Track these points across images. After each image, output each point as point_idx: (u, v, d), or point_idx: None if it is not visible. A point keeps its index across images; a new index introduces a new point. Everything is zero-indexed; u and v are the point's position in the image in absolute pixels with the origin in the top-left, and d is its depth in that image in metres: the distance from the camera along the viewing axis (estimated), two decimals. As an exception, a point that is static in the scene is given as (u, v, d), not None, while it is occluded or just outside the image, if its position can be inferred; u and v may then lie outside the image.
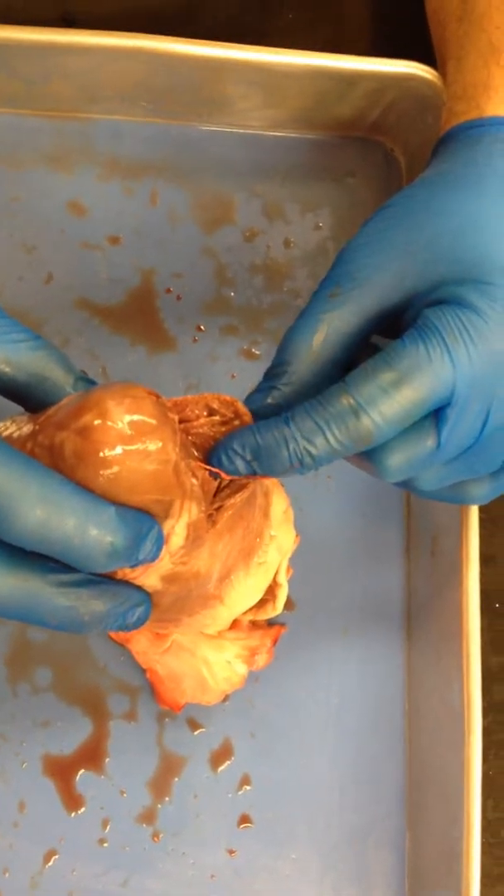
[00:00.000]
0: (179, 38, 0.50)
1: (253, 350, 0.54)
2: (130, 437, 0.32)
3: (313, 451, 0.36)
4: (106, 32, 0.50)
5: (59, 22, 0.58)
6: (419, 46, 0.55)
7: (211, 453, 0.38)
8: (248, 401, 0.39)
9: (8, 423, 0.39)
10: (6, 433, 0.38)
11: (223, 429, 0.39)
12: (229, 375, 0.54)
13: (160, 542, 0.34)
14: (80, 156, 0.55)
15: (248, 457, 0.36)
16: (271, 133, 0.57)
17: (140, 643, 0.48)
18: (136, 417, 0.33)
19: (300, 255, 0.56)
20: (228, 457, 0.37)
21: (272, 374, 0.39)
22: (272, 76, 0.52)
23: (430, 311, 0.36)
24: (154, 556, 0.34)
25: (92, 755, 0.50)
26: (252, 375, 0.54)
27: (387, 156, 0.58)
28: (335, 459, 0.36)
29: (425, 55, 0.53)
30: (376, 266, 0.38)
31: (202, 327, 0.54)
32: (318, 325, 0.38)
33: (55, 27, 0.50)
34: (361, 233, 0.40)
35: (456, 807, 0.47)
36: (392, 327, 0.39)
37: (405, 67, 0.51)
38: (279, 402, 0.38)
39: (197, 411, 0.39)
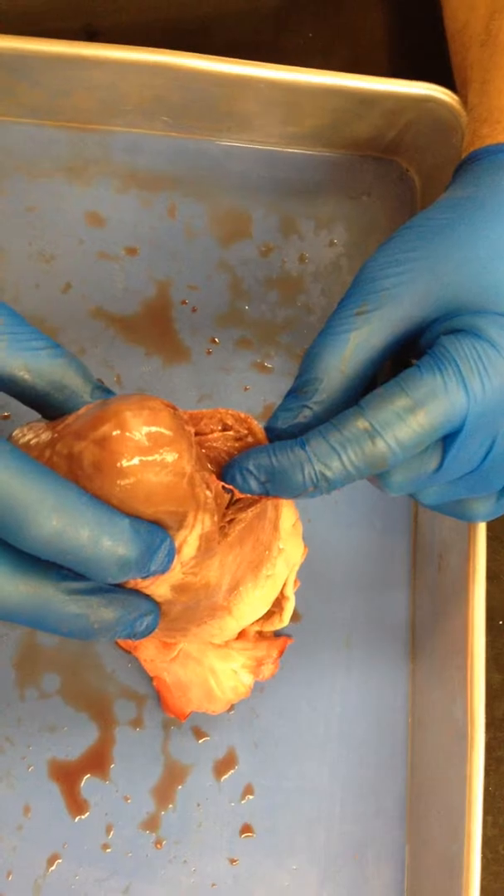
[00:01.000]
0: (201, 55, 0.51)
1: (266, 364, 0.55)
2: (148, 449, 0.33)
3: (329, 474, 0.36)
4: (129, 47, 0.50)
5: (82, 34, 0.58)
6: (436, 68, 0.56)
7: (225, 470, 0.38)
8: (276, 419, 0.39)
9: (25, 430, 0.39)
10: (23, 440, 0.38)
11: (237, 445, 0.40)
12: (242, 388, 0.54)
13: (172, 554, 0.35)
14: (98, 167, 0.56)
15: (263, 478, 0.37)
16: (288, 150, 0.57)
17: (148, 651, 0.49)
18: (153, 429, 0.33)
19: (314, 270, 0.56)
20: (243, 476, 0.37)
21: (302, 392, 0.39)
22: (291, 94, 0.52)
23: (446, 340, 0.37)
24: (165, 569, 0.35)
25: (97, 761, 0.50)
26: (264, 389, 0.54)
27: (402, 176, 0.58)
28: (348, 483, 0.37)
29: (441, 77, 0.54)
30: (404, 284, 0.38)
31: (216, 340, 0.55)
32: (347, 342, 0.38)
33: (77, 39, 0.50)
34: (385, 251, 0.40)
35: (456, 821, 0.47)
36: (404, 349, 0.40)
37: (423, 89, 0.52)
38: (310, 422, 0.38)
39: (211, 426, 0.40)
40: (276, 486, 0.37)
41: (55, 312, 0.54)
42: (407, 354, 0.39)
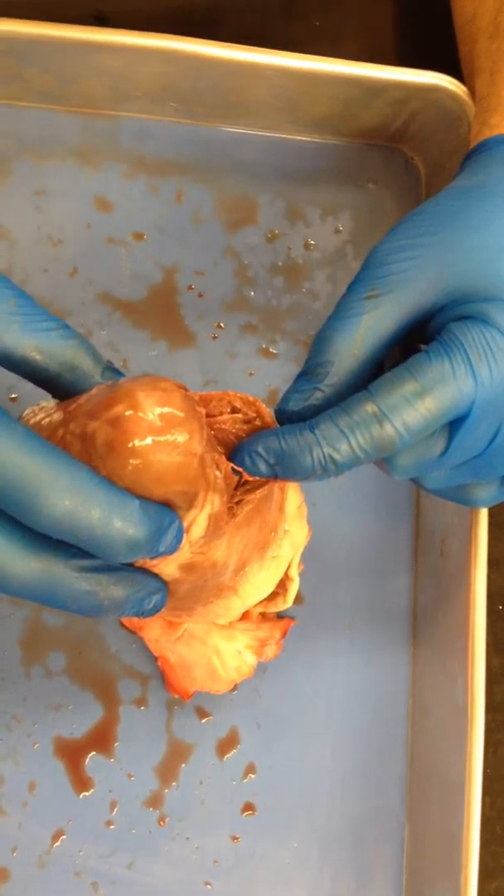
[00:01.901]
0: (211, 42, 0.51)
1: (271, 349, 0.55)
2: (160, 429, 0.33)
3: (337, 457, 0.36)
4: (139, 33, 0.51)
5: (91, 19, 0.59)
6: (442, 57, 0.56)
7: (234, 453, 0.38)
8: (287, 401, 0.39)
9: (36, 410, 0.40)
10: (34, 420, 0.39)
11: (245, 427, 0.40)
12: (247, 373, 0.55)
13: (180, 536, 0.35)
14: (107, 153, 0.56)
15: (272, 460, 0.37)
16: (296, 137, 0.58)
17: (153, 631, 0.49)
18: (165, 410, 0.34)
19: (320, 257, 0.57)
20: (252, 458, 0.38)
21: (313, 375, 0.39)
22: (299, 82, 0.53)
23: (455, 326, 0.37)
24: (173, 550, 0.35)
25: (102, 739, 0.51)
26: (269, 374, 0.55)
27: (408, 164, 0.59)
28: (356, 467, 0.37)
29: (448, 66, 0.54)
30: (415, 270, 0.38)
31: (222, 325, 0.55)
32: (358, 326, 0.38)
33: (87, 25, 0.51)
34: (393, 236, 0.40)
35: (456, 802, 0.48)
36: (412, 335, 0.40)
37: (430, 78, 0.52)
38: (321, 404, 0.38)
39: (220, 408, 0.40)
40: (284, 469, 0.37)
41: (63, 296, 0.54)
42: (415, 340, 0.40)
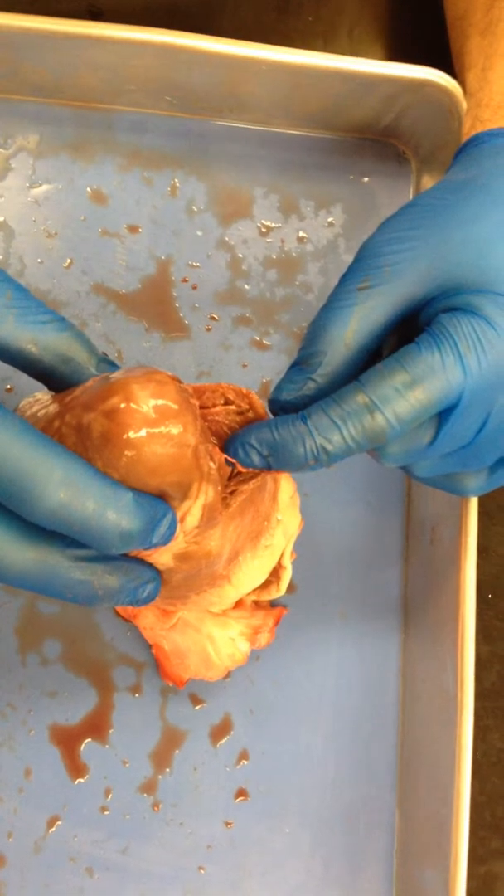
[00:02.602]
0: (205, 36, 0.51)
1: (264, 341, 0.56)
2: (155, 421, 0.34)
3: (329, 447, 0.37)
4: (134, 27, 0.51)
5: (85, 14, 0.59)
6: (434, 52, 0.57)
7: (228, 444, 0.39)
8: (280, 391, 0.40)
9: (32, 401, 0.40)
10: (30, 412, 0.39)
11: (238, 419, 0.41)
12: (241, 364, 0.56)
13: (173, 527, 0.36)
14: (102, 146, 0.56)
15: (265, 451, 0.38)
16: (289, 131, 0.58)
17: (147, 619, 0.50)
18: (160, 402, 0.34)
19: (312, 250, 0.57)
20: (245, 450, 0.38)
21: (306, 365, 0.39)
22: (293, 76, 0.53)
23: (445, 318, 0.38)
24: (166, 541, 0.36)
25: (97, 726, 0.52)
26: (262, 365, 0.56)
27: (399, 158, 0.59)
28: (348, 456, 0.38)
29: (439, 61, 0.55)
30: (407, 261, 0.39)
31: (216, 317, 0.56)
32: (351, 316, 0.39)
33: (81, 19, 0.51)
34: (387, 228, 0.40)
35: (446, 787, 0.49)
36: (403, 325, 0.41)
37: (422, 73, 0.53)
38: (314, 394, 0.39)
39: (213, 399, 0.41)
40: (277, 460, 0.38)
41: (58, 287, 0.55)
42: (406, 330, 0.40)
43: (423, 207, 0.41)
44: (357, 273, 0.40)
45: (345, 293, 0.39)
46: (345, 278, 0.40)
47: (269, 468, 0.38)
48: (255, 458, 0.38)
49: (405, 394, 0.37)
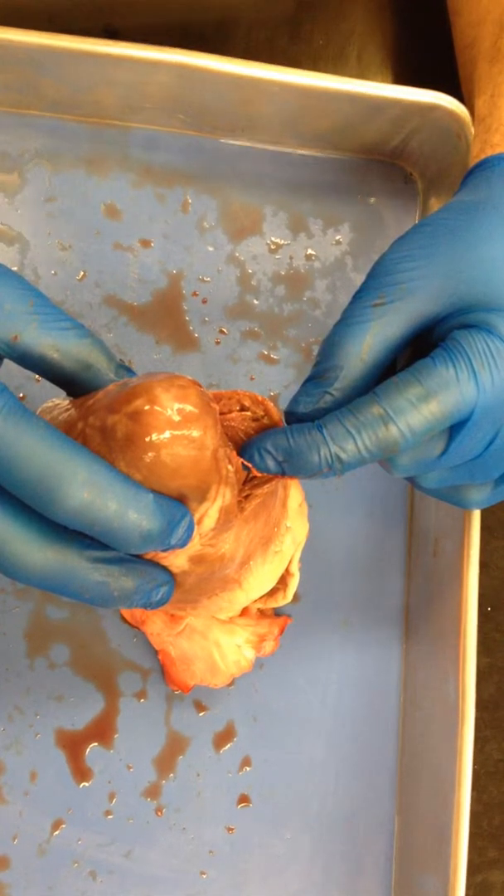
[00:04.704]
0: (219, 56, 0.53)
1: (272, 355, 0.57)
2: (177, 424, 0.35)
3: (343, 456, 0.38)
4: (150, 47, 0.52)
5: (102, 33, 0.60)
6: (442, 77, 0.58)
7: (244, 449, 0.40)
8: (297, 404, 0.40)
9: (51, 406, 0.41)
10: (49, 416, 0.40)
11: (254, 425, 0.42)
12: (248, 377, 0.57)
13: (191, 530, 0.37)
14: (117, 162, 0.58)
15: (280, 457, 0.39)
16: (299, 151, 0.59)
17: (155, 625, 0.51)
18: (182, 405, 0.35)
19: (320, 267, 0.59)
20: (261, 455, 0.39)
21: (323, 379, 0.40)
22: (303, 98, 0.55)
23: (459, 334, 0.39)
24: (184, 543, 0.37)
25: (102, 730, 0.52)
26: (270, 379, 0.57)
27: (406, 180, 0.61)
28: (360, 465, 0.39)
29: (447, 85, 0.56)
30: (421, 279, 0.40)
31: (225, 330, 0.57)
32: (367, 332, 0.40)
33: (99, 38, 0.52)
34: (400, 247, 0.41)
35: (445, 795, 0.49)
36: (417, 341, 0.42)
37: (430, 97, 0.54)
38: (330, 407, 0.40)
39: (230, 406, 0.42)
40: (292, 466, 0.39)
41: (71, 299, 0.56)
42: (420, 346, 0.42)
43: (435, 227, 0.42)
44: (372, 290, 0.41)
45: (360, 309, 0.40)
46: (359, 295, 0.41)
47: (283, 474, 0.39)
48: (271, 464, 0.39)
49: (419, 406, 0.38)
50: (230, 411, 0.42)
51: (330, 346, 0.40)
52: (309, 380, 0.41)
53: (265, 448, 0.39)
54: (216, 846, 0.52)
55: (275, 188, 0.59)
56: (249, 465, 0.40)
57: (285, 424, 0.41)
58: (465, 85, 0.55)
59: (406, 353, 0.42)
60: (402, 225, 0.59)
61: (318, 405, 0.40)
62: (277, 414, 0.42)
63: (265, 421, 0.42)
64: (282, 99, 0.55)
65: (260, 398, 0.42)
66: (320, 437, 0.38)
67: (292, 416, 0.41)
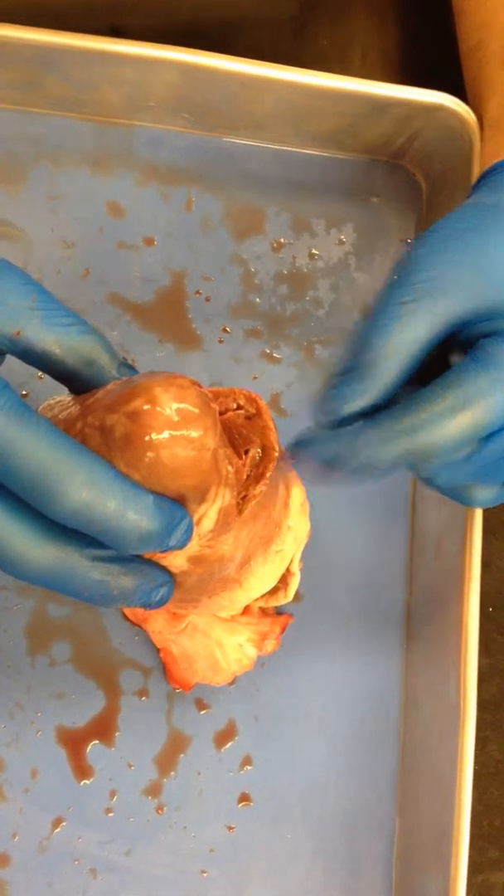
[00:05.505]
0: (223, 55, 0.53)
1: (274, 354, 0.57)
2: (176, 424, 0.35)
3: (379, 464, 0.38)
4: (155, 45, 0.52)
5: (108, 32, 0.60)
6: (446, 77, 0.58)
7: (289, 448, 0.41)
8: (327, 403, 0.40)
9: (52, 404, 0.41)
10: (51, 413, 0.40)
11: (246, 423, 0.42)
12: (251, 376, 0.57)
13: (190, 531, 0.37)
14: (121, 160, 0.58)
15: (319, 462, 0.39)
16: (303, 151, 0.59)
17: (157, 623, 0.51)
18: (182, 405, 0.35)
19: (323, 267, 0.59)
20: (301, 457, 0.40)
21: (353, 378, 0.40)
22: (308, 97, 0.55)
23: (488, 343, 0.39)
24: (183, 544, 0.37)
25: (103, 728, 0.52)
26: (272, 377, 0.57)
27: (410, 180, 0.61)
28: (395, 472, 0.39)
29: (451, 85, 0.56)
30: (452, 280, 0.40)
31: (228, 329, 0.57)
32: (396, 330, 0.39)
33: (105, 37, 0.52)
34: (425, 247, 0.41)
35: (446, 795, 0.49)
36: (445, 342, 0.42)
37: (435, 98, 0.54)
38: (363, 408, 0.40)
39: (227, 404, 0.42)
40: (329, 472, 0.39)
41: (74, 297, 0.56)
42: (448, 345, 0.41)
43: (457, 231, 0.41)
44: (400, 289, 0.40)
45: (388, 309, 0.40)
46: (387, 294, 0.40)
47: (320, 479, 0.40)
48: (310, 469, 0.40)
49: (453, 417, 0.38)
50: (227, 410, 0.42)
51: (359, 345, 0.40)
52: (338, 377, 0.40)
53: (306, 449, 0.40)
54: (217, 845, 0.52)
55: (278, 187, 0.59)
56: (291, 462, 0.41)
57: (316, 426, 0.41)
58: (471, 87, 0.55)
59: (435, 353, 0.42)
60: (405, 225, 0.60)
61: (350, 405, 0.40)
62: (268, 411, 0.42)
63: (256, 419, 0.42)
64: (286, 98, 0.55)
65: (252, 395, 0.42)
66: (357, 443, 0.38)
67: (324, 415, 0.40)
